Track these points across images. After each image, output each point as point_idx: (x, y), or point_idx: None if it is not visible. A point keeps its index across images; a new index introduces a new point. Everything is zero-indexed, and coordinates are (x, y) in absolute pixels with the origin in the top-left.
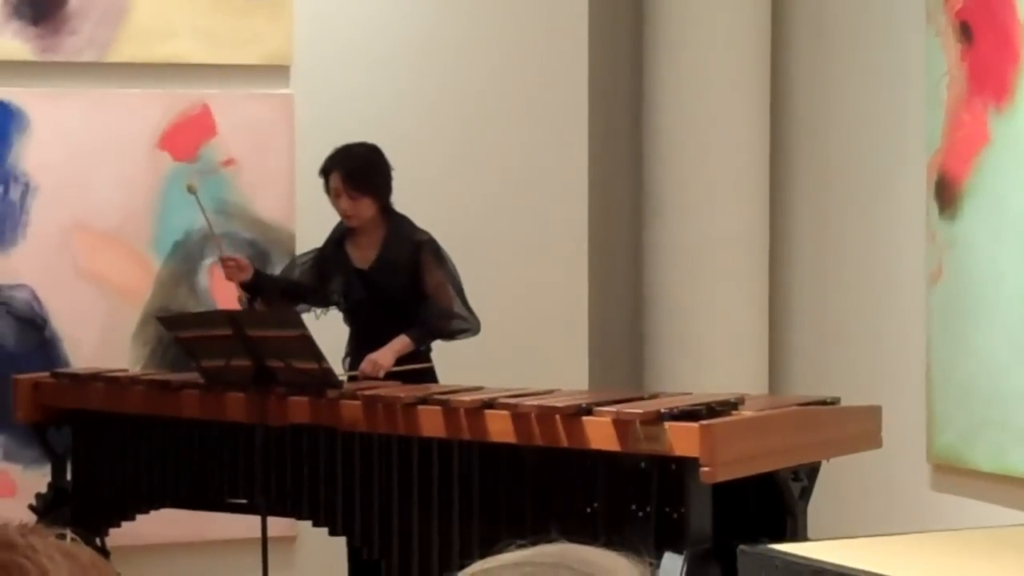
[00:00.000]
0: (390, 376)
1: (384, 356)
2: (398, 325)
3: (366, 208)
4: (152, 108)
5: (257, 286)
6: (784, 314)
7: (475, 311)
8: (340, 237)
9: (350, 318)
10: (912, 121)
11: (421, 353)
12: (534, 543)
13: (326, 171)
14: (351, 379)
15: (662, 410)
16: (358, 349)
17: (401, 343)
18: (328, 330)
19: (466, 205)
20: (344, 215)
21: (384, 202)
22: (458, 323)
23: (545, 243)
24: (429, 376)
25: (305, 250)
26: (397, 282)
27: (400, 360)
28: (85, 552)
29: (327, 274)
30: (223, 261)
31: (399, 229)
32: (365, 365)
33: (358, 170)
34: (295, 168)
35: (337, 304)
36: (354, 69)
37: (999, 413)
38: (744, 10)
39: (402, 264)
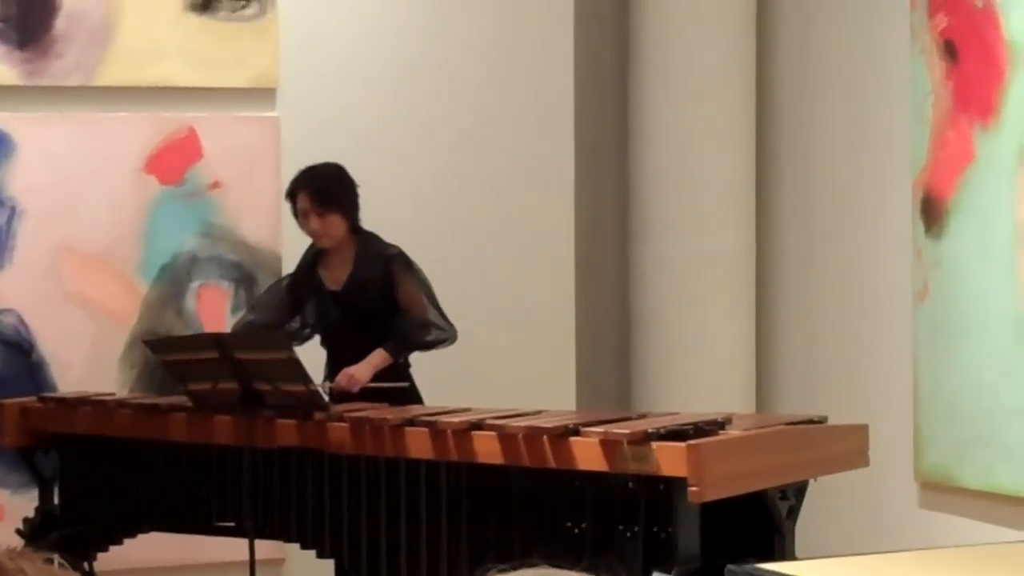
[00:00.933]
0: (365, 391)
1: (361, 370)
2: (375, 343)
3: (336, 226)
4: (138, 131)
5: None
6: (771, 333)
7: (462, 330)
8: (312, 261)
9: (327, 341)
10: (897, 139)
11: (400, 370)
12: (515, 567)
13: (292, 193)
14: (328, 392)
15: (649, 430)
16: (336, 371)
17: (379, 357)
18: (303, 354)
19: (453, 224)
20: (315, 236)
21: (353, 219)
22: (436, 333)
23: (532, 262)
24: (410, 394)
25: (291, 271)
26: (371, 299)
27: (379, 375)
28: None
29: (300, 299)
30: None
31: (369, 246)
32: (341, 378)
33: (324, 188)
34: (281, 190)
35: (305, 336)
36: (340, 91)
37: (986, 431)
38: (729, 29)
39: (374, 281)
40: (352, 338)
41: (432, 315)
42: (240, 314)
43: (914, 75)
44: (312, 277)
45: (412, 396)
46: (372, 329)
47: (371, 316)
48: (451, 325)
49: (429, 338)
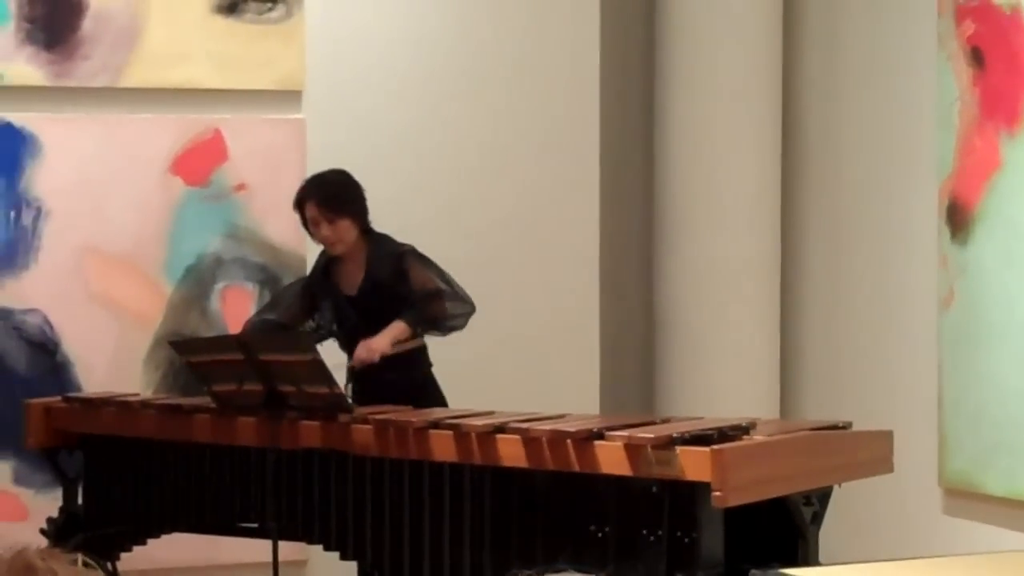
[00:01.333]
0: (385, 360)
1: (380, 341)
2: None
3: (346, 231)
4: (164, 133)
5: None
6: (796, 338)
7: (487, 333)
8: (326, 265)
9: (345, 345)
10: (924, 146)
11: (419, 366)
12: (540, 573)
13: (300, 202)
14: (349, 370)
15: (674, 434)
16: (360, 373)
17: (397, 328)
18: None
19: (477, 227)
20: (326, 243)
21: (363, 223)
22: (451, 305)
23: (557, 265)
24: (432, 394)
25: None
26: (386, 299)
27: (397, 365)
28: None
29: (316, 303)
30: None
31: (380, 248)
32: (360, 350)
33: (332, 194)
34: None
35: (319, 338)
36: (366, 94)
37: (1011, 438)
38: (756, 36)
39: (387, 280)
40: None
41: (448, 288)
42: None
43: (941, 82)
44: (327, 282)
45: (434, 395)
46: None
47: (389, 316)
48: (468, 297)
49: (446, 309)
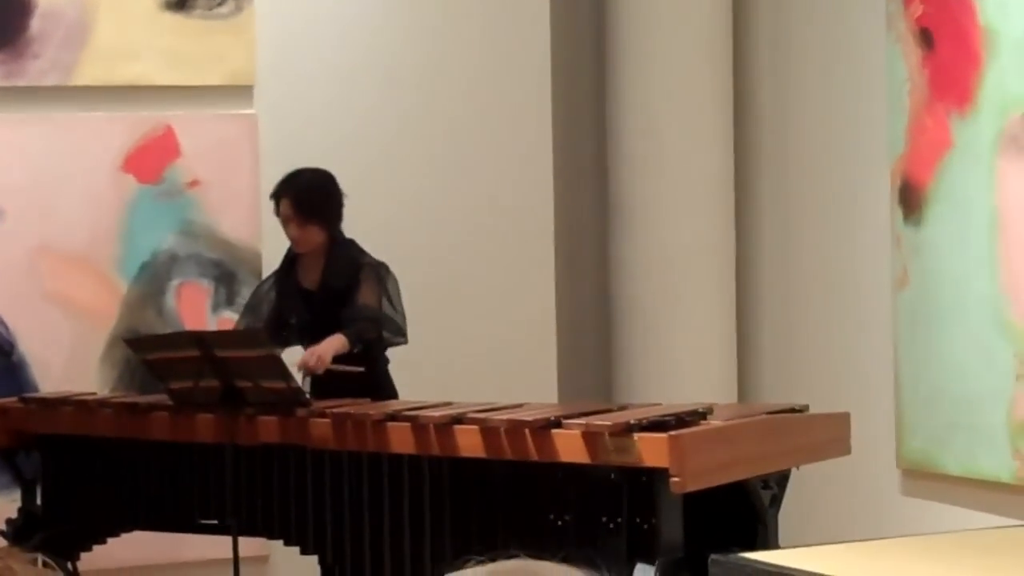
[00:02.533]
0: (328, 373)
1: (325, 350)
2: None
3: (314, 235)
4: (116, 130)
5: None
6: (751, 322)
7: (442, 325)
8: (292, 258)
9: (300, 338)
10: (875, 127)
11: (372, 360)
12: (492, 559)
13: (277, 196)
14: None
15: (631, 421)
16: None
17: (338, 340)
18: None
19: (432, 220)
20: (293, 241)
21: (332, 229)
22: (387, 334)
23: (512, 256)
24: (384, 387)
25: (269, 269)
26: (338, 305)
27: (350, 362)
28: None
29: (282, 296)
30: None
31: (343, 253)
32: (307, 357)
33: (308, 198)
34: (260, 188)
35: (288, 338)
36: (317, 88)
37: (968, 417)
38: (705, 20)
39: (342, 287)
40: (325, 334)
41: (383, 311)
42: (221, 313)
43: (890, 63)
44: (291, 274)
45: (387, 389)
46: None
47: (335, 320)
48: (403, 331)
49: (377, 335)
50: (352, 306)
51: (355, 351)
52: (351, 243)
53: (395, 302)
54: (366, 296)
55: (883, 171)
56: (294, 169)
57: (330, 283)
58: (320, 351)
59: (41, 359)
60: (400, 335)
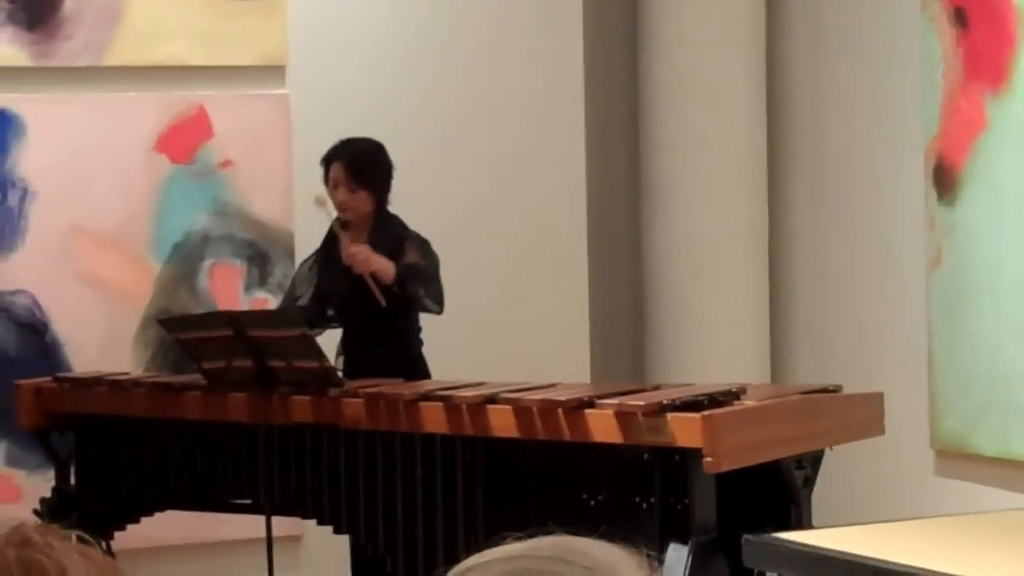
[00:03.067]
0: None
1: (376, 258)
2: (384, 319)
3: (362, 202)
4: (148, 111)
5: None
6: (785, 303)
7: (476, 304)
8: (334, 235)
9: (341, 315)
10: (909, 108)
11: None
12: (531, 536)
13: (328, 160)
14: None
15: (664, 401)
16: (350, 346)
17: (389, 264)
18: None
19: (464, 202)
20: (340, 206)
21: (380, 199)
22: (427, 292)
23: (544, 237)
24: (419, 366)
25: (302, 249)
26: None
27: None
28: (98, 553)
29: (324, 273)
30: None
31: (387, 227)
32: (358, 250)
33: (360, 163)
34: (292, 168)
35: (330, 320)
36: (349, 68)
37: (1001, 397)
38: (739, 1)
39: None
40: (364, 313)
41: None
42: (253, 294)
43: (924, 42)
44: (332, 250)
45: (420, 370)
46: (381, 309)
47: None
48: (441, 301)
49: (419, 290)
50: (399, 262)
51: (394, 289)
52: (395, 218)
53: (436, 273)
54: (412, 256)
55: (917, 151)
56: (347, 137)
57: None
58: (372, 255)
59: (74, 339)
60: (437, 302)
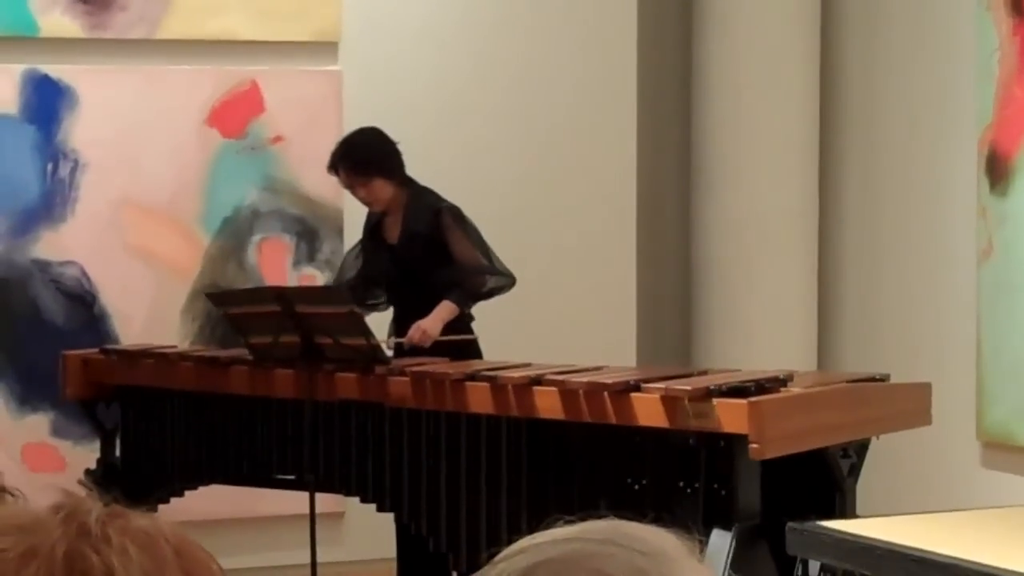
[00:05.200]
0: (436, 345)
1: (432, 324)
2: (432, 296)
3: (381, 189)
4: (201, 85)
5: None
6: (833, 290)
7: (523, 286)
8: (378, 220)
9: (390, 297)
10: (963, 96)
11: (464, 323)
12: (583, 519)
13: (333, 170)
14: (398, 347)
15: (711, 387)
16: (400, 327)
17: (446, 310)
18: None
19: (514, 179)
20: (367, 204)
21: (396, 178)
22: (494, 280)
23: (593, 218)
24: (473, 348)
25: (351, 226)
26: (421, 253)
27: (447, 328)
28: (169, 539)
29: (369, 256)
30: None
31: (419, 200)
32: (413, 333)
33: (358, 158)
34: None
35: (376, 304)
36: (402, 45)
37: None
38: None
39: (423, 234)
40: (411, 293)
41: (487, 262)
42: (301, 269)
43: (980, 32)
44: (376, 233)
45: (474, 350)
46: (425, 283)
47: (422, 270)
48: (508, 271)
49: (489, 286)
50: (453, 266)
51: (467, 310)
52: (427, 190)
53: (486, 246)
54: (461, 250)
55: (970, 140)
56: (339, 141)
57: (412, 229)
58: (426, 325)
59: (122, 311)
60: (506, 280)
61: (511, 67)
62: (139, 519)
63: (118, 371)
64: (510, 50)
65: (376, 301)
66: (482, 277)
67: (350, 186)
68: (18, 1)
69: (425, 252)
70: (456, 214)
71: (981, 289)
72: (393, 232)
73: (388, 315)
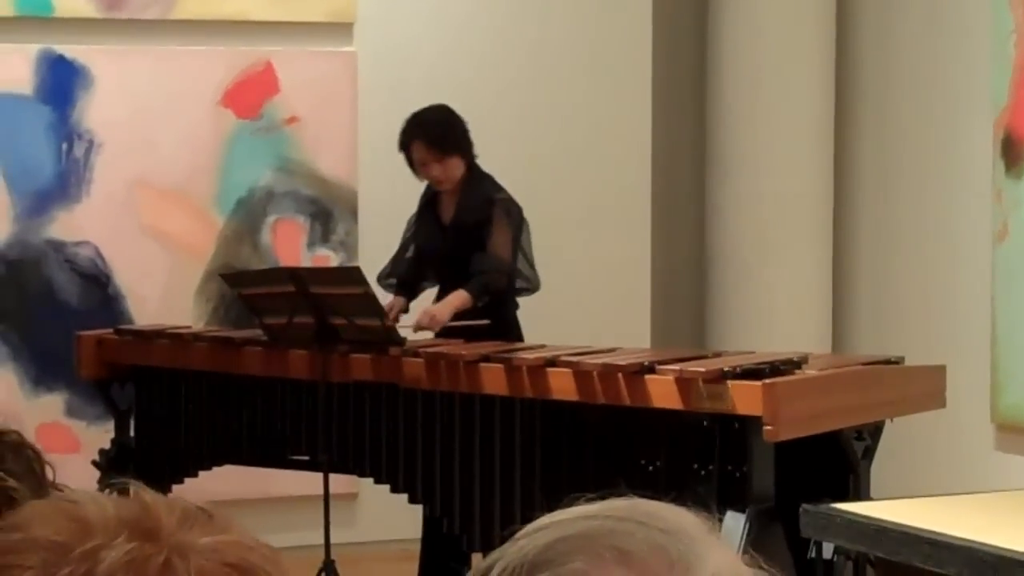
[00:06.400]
0: (446, 331)
1: (441, 310)
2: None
3: (456, 168)
4: (215, 65)
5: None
6: (848, 273)
7: (538, 269)
8: (432, 196)
9: (435, 272)
10: (978, 79)
11: (482, 310)
12: (603, 497)
13: (405, 144)
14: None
15: (725, 368)
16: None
17: (459, 298)
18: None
19: (530, 163)
20: (436, 182)
21: (470, 158)
22: (518, 282)
23: (608, 201)
24: (510, 327)
25: (366, 206)
26: (468, 241)
27: (470, 314)
28: (249, 554)
29: (421, 230)
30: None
31: (477, 187)
32: (421, 318)
33: (439, 134)
34: (358, 125)
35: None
36: (417, 26)
37: None
38: None
39: (475, 222)
40: (454, 273)
41: (518, 262)
42: (316, 250)
43: (996, 14)
44: (431, 208)
45: (515, 334)
46: (468, 266)
47: (467, 255)
48: (534, 277)
49: (506, 285)
50: (483, 255)
51: (480, 304)
52: (486, 177)
53: (527, 250)
54: (499, 245)
55: (986, 123)
56: (409, 115)
57: (463, 214)
58: (435, 311)
59: (137, 292)
60: (529, 284)
61: (525, 51)
62: (221, 530)
63: (132, 351)
64: (525, 34)
65: (427, 277)
66: (503, 276)
67: (425, 163)
68: None
69: (472, 239)
70: (508, 208)
71: (996, 272)
72: (448, 211)
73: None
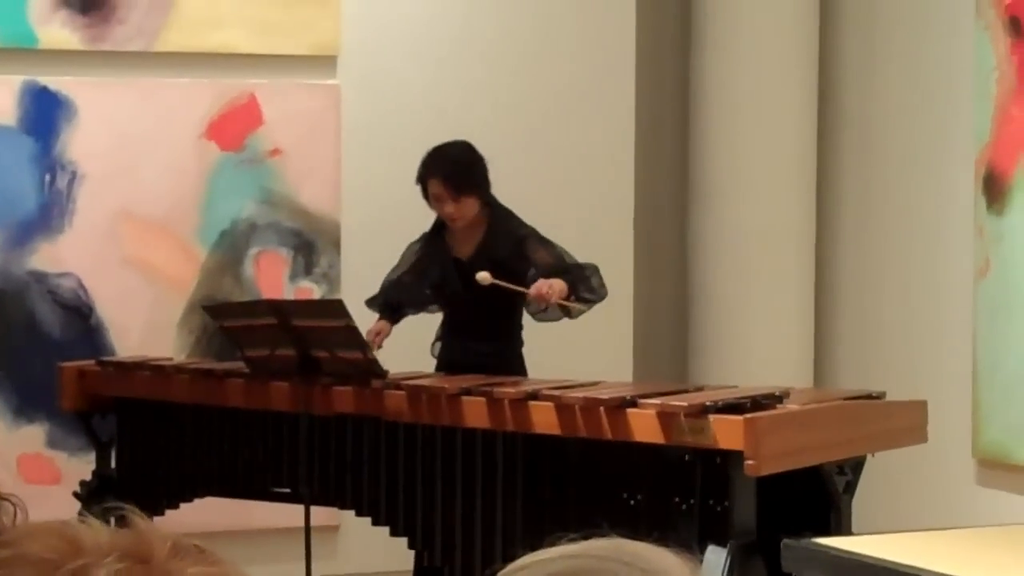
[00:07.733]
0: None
1: (559, 286)
2: (494, 313)
3: (470, 208)
4: (199, 97)
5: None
6: (830, 307)
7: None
8: (441, 226)
9: (446, 303)
10: (961, 115)
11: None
12: (585, 537)
13: (423, 178)
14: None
15: (707, 403)
16: (451, 336)
17: (560, 283)
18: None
19: (511, 193)
20: (449, 219)
21: (487, 198)
22: (595, 281)
23: (591, 234)
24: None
25: (349, 239)
26: (500, 277)
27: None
28: None
29: (426, 265)
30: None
31: (502, 224)
32: (542, 285)
33: (458, 172)
34: (341, 158)
35: (430, 303)
36: (401, 60)
37: None
38: (794, 2)
39: (504, 259)
40: (470, 307)
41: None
42: (298, 283)
43: (978, 51)
44: (440, 242)
45: (518, 368)
46: (491, 303)
47: (496, 293)
48: (603, 287)
49: (590, 281)
50: (536, 268)
51: (571, 300)
52: (510, 214)
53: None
54: (548, 256)
55: (968, 159)
56: (431, 148)
57: (491, 253)
58: (553, 282)
59: (119, 323)
60: (600, 289)
61: (508, 82)
62: (207, 562)
63: (114, 383)
64: (507, 65)
65: (428, 301)
66: (582, 271)
67: (440, 199)
68: (17, 13)
69: (499, 277)
70: (540, 239)
71: (978, 307)
72: (464, 247)
73: (429, 317)
